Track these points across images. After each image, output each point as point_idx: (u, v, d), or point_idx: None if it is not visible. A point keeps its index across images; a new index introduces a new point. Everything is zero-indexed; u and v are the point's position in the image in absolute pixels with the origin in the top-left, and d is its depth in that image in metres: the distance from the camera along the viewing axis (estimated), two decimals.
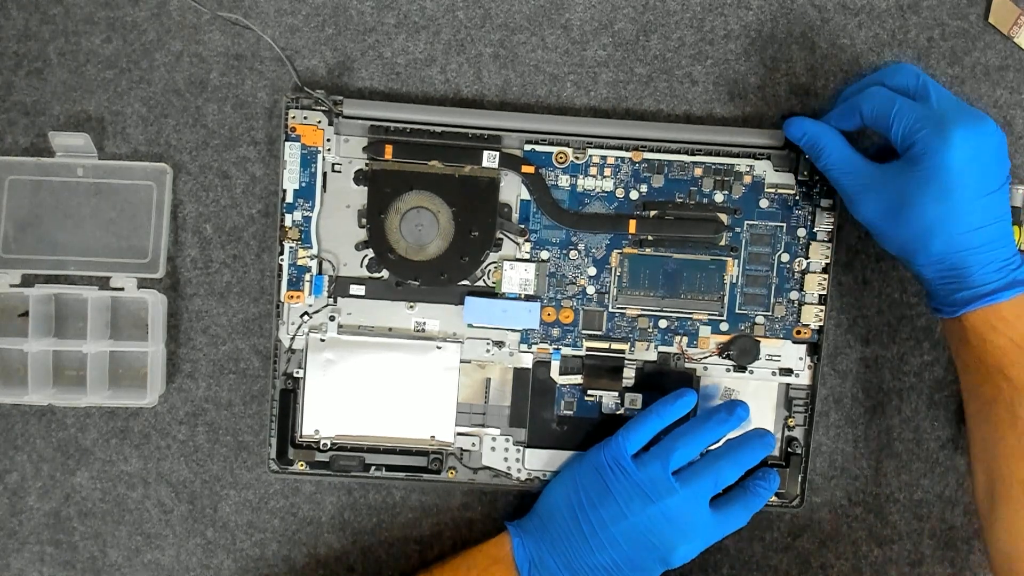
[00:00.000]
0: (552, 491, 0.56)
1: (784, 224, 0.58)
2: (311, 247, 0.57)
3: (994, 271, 0.50)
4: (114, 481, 0.59)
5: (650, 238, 0.57)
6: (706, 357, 0.58)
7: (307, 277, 0.57)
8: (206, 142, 0.59)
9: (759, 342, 0.58)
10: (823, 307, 0.58)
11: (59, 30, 0.58)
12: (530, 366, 0.58)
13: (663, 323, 0.58)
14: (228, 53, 0.58)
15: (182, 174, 0.59)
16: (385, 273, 0.57)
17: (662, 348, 0.58)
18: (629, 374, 0.58)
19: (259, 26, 0.58)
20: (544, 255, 0.58)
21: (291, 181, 0.57)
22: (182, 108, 0.59)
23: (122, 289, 0.58)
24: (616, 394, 0.58)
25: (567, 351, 0.58)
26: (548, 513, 0.55)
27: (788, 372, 0.58)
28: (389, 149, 0.57)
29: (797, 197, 0.57)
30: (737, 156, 0.57)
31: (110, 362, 0.59)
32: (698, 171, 0.57)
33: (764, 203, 0.57)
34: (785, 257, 0.58)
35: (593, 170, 0.57)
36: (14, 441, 0.59)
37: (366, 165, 0.57)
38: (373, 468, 0.58)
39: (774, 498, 0.58)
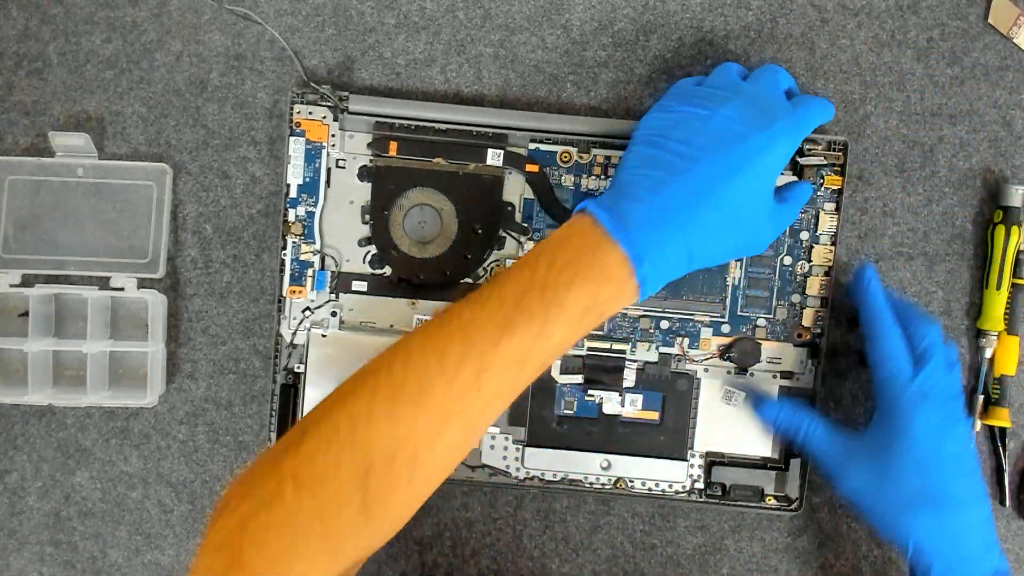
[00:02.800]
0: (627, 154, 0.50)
1: (787, 227, 0.58)
2: (314, 242, 0.57)
3: (980, 557, 0.50)
4: (114, 481, 0.59)
5: None
6: (707, 359, 0.58)
7: (309, 272, 0.57)
8: (206, 142, 0.59)
9: (760, 344, 0.58)
10: (825, 310, 0.58)
11: (59, 30, 0.58)
12: None
13: (664, 324, 0.58)
14: (228, 53, 0.58)
15: (182, 174, 0.59)
16: (388, 269, 0.57)
17: (663, 349, 0.58)
18: (630, 374, 0.58)
19: (259, 26, 0.58)
20: None
21: (295, 176, 0.57)
22: (182, 108, 0.59)
23: (122, 289, 0.58)
24: (617, 394, 0.58)
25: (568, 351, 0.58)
26: (627, 170, 0.49)
27: (789, 375, 0.58)
28: (394, 145, 0.57)
29: None
30: None
31: (110, 362, 0.59)
32: None
33: None
34: (787, 260, 0.58)
35: (597, 170, 0.57)
36: (14, 441, 0.59)
37: (370, 161, 0.57)
38: None
39: (773, 500, 0.58)
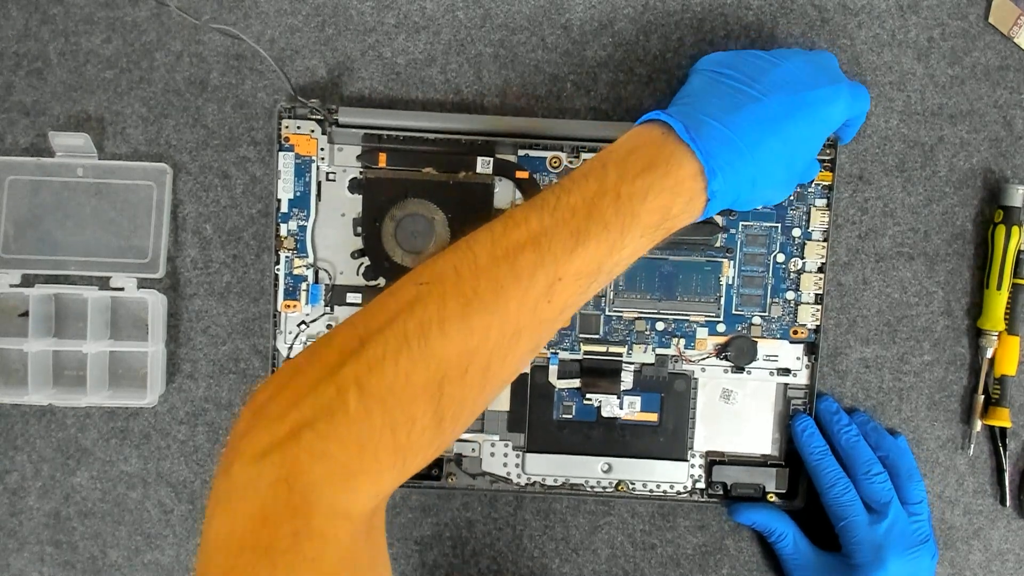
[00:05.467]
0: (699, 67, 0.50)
1: (779, 224, 0.58)
2: (307, 256, 0.57)
3: None
4: (114, 481, 0.59)
5: None
6: (704, 358, 0.58)
7: (303, 286, 0.57)
8: (206, 142, 0.59)
9: (756, 343, 0.58)
10: (819, 307, 0.58)
11: (59, 30, 0.58)
12: (528, 371, 0.58)
13: (660, 325, 0.58)
14: (228, 53, 0.58)
15: (182, 174, 0.59)
16: (382, 281, 0.57)
17: (660, 350, 0.58)
18: (627, 377, 0.58)
19: (259, 26, 0.58)
20: None
21: (285, 191, 0.57)
22: (182, 108, 0.59)
23: (122, 289, 0.58)
24: (615, 397, 0.58)
25: (565, 355, 0.58)
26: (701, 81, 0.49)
27: (786, 372, 0.58)
28: (383, 157, 0.57)
29: (791, 197, 0.57)
30: None
31: (110, 362, 0.59)
32: None
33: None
34: (781, 257, 0.58)
35: None
36: (14, 441, 0.59)
37: (360, 173, 0.57)
38: None
39: (774, 497, 0.58)
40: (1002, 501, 0.60)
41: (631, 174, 0.43)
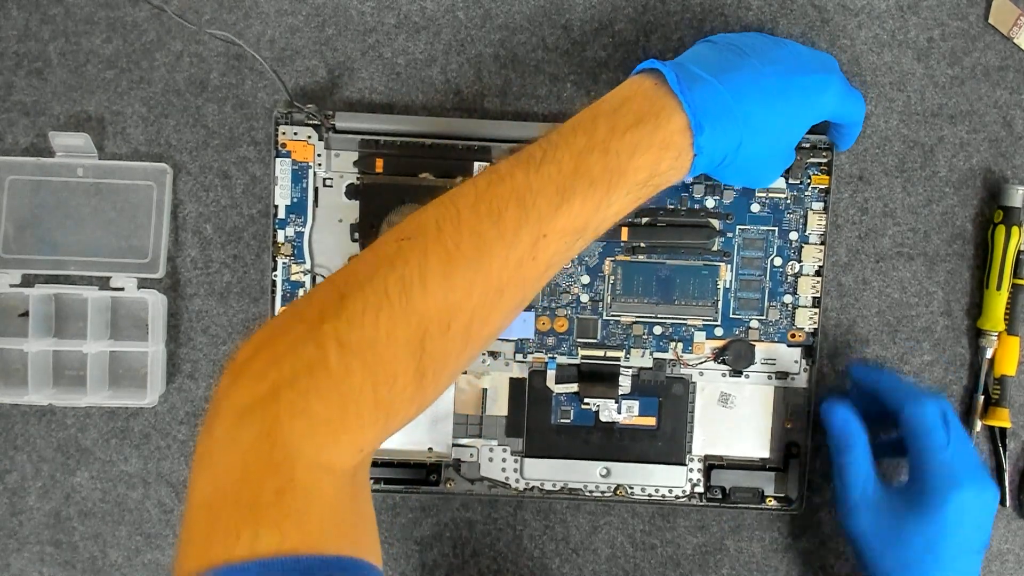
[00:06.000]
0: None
1: (776, 228, 0.58)
2: (304, 262, 0.57)
3: None
4: (114, 481, 0.59)
5: (643, 245, 0.57)
6: (702, 362, 0.58)
7: (301, 292, 0.57)
8: (206, 142, 0.59)
9: (754, 346, 0.58)
10: (817, 310, 0.58)
11: (59, 30, 0.58)
12: (526, 376, 0.58)
13: (658, 329, 0.58)
14: (228, 54, 0.58)
15: (182, 174, 0.59)
16: None
17: (657, 354, 0.58)
18: (625, 381, 0.58)
19: (259, 26, 0.58)
20: None
21: (283, 197, 0.57)
22: (182, 108, 0.59)
23: (122, 289, 0.58)
24: (613, 401, 0.58)
25: (562, 360, 0.58)
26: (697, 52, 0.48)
27: (784, 376, 0.58)
28: (380, 162, 0.57)
29: (788, 201, 0.57)
30: None
31: (110, 362, 0.59)
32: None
33: (755, 207, 0.57)
34: (778, 261, 0.58)
35: None
36: (14, 441, 0.59)
37: (357, 179, 0.57)
38: (371, 481, 0.58)
39: (773, 501, 0.58)
40: (1002, 501, 0.60)
41: (620, 128, 0.42)
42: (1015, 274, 0.58)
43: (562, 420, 0.58)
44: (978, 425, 0.59)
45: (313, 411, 0.37)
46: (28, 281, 0.58)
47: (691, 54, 0.48)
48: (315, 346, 0.37)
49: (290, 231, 0.57)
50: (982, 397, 0.59)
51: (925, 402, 0.51)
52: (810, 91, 0.47)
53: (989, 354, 0.59)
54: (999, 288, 0.58)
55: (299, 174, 0.57)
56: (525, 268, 0.41)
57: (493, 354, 0.58)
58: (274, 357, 0.38)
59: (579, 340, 0.58)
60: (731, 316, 0.58)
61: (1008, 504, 0.60)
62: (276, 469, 0.36)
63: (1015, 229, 0.57)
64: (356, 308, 0.38)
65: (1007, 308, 0.58)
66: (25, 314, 0.57)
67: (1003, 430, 0.59)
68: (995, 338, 0.58)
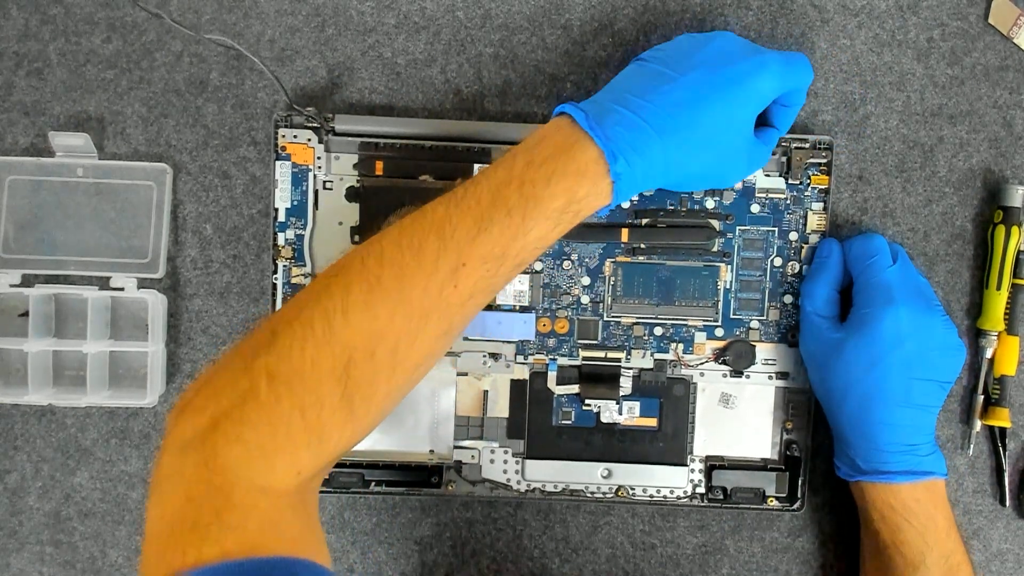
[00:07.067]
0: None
1: (776, 228, 0.58)
2: (305, 265, 0.57)
3: (897, 452, 0.52)
4: (114, 481, 0.59)
5: (643, 246, 0.57)
6: (702, 363, 0.58)
7: None
8: (206, 142, 0.59)
9: (754, 347, 0.58)
10: None
11: (59, 30, 0.58)
12: (527, 377, 0.58)
13: (658, 330, 0.58)
14: (228, 54, 0.58)
15: (182, 174, 0.59)
16: None
17: (658, 355, 0.58)
18: (626, 382, 0.58)
19: (259, 26, 0.58)
20: (538, 266, 0.58)
21: (283, 200, 0.57)
22: (182, 108, 0.59)
23: (122, 289, 0.58)
24: (614, 402, 0.58)
25: (563, 361, 0.58)
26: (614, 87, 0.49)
27: (784, 376, 0.58)
28: (380, 165, 0.57)
29: (788, 201, 0.57)
30: None
31: (110, 362, 0.59)
32: None
33: (755, 208, 0.58)
34: (778, 261, 0.58)
35: None
36: (14, 441, 0.59)
37: (357, 182, 0.57)
38: (373, 484, 0.58)
39: (775, 501, 0.58)
40: (1002, 501, 0.60)
41: (536, 161, 0.44)
42: (1015, 274, 0.58)
43: (563, 421, 0.58)
44: (978, 425, 0.59)
45: (247, 438, 0.40)
46: (28, 281, 0.58)
47: (615, 81, 0.49)
48: (247, 379, 0.41)
49: (290, 234, 0.57)
50: (982, 397, 0.59)
51: (876, 236, 0.55)
52: (739, 84, 0.47)
53: (989, 354, 0.59)
54: (999, 288, 0.58)
55: (299, 177, 0.57)
56: (447, 295, 0.43)
57: (494, 356, 0.58)
58: (213, 392, 0.41)
59: (580, 341, 0.58)
60: (731, 317, 0.58)
61: (1008, 504, 0.60)
62: (216, 492, 0.39)
63: (1015, 229, 0.57)
64: (284, 342, 0.41)
65: (1007, 308, 0.58)
66: (25, 314, 0.57)
67: (1003, 430, 0.59)
68: (995, 338, 0.58)
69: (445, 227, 0.43)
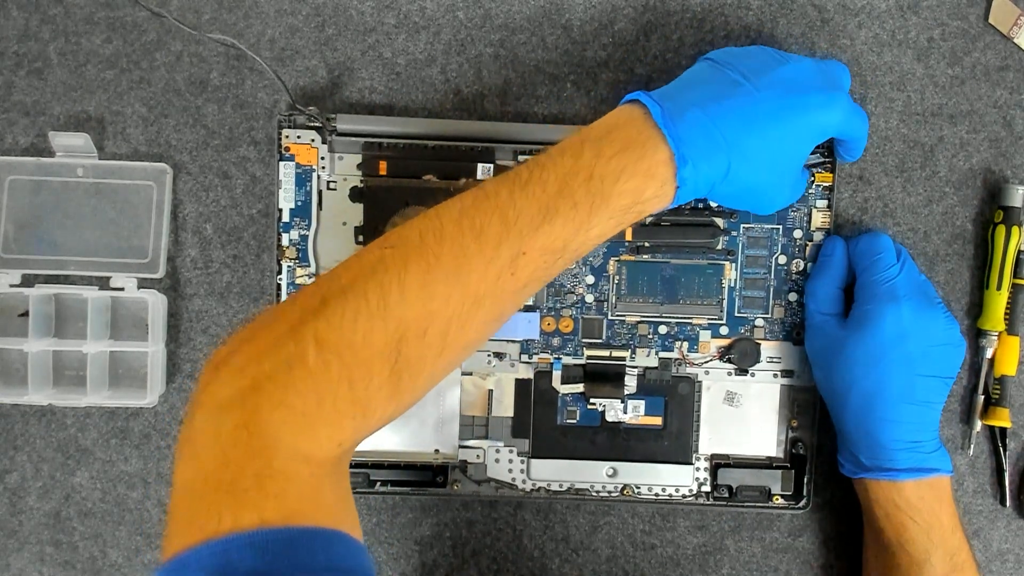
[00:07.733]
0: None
1: (780, 226, 0.58)
2: (309, 265, 0.57)
3: (902, 449, 0.52)
4: (114, 481, 0.59)
5: (647, 245, 0.57)
6: (707, 361, 0.58)
7: None
8: (206, 142, 0.59)
9: (759, 345, 0.58)
10: None
11: (59, 30, 0.58)
12: (531, 376, 0.58)
13: (663, 329, 0.58)
14: (228, 54, 0.58)
15: (182, 174, 0.59)
16: None
17: (663, 354, 0.58)
18: (631, 381, 0.58)
19: (259, 26, 0.58)
20: None
21: (286, 200, 0.57)
22: (182, 108, 0.59)
23: (122, 289, 0.58)
24: (619, 401, 0.58)
25: (568, 360, 0.58)
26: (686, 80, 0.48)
27: (789, 374, 0.58)
28: (383, 165, 0.57)
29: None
30: None
31: (110, 362, 0.59)
32: None
33: None
34: (782, 259, 0.58)
35: None
36: (14, 441, 0.59)
37: (361, 182, 0.57)
38: (378, 484, 0.58)
39: (780, 499, 0.58)
40: (1002, 501, 0.60)
41: (606, 154, 0.43)
42: (1015, 274, 0.58)
43: (568, 420, 0.58)
44: (978, 425, 0.59)
45: (291, 404, 0.38)
46: (28, 281, 0.58)
47: (687, 76, 0.48)
48: (295, 344, 0.39)
49: (294, 234, 0.57)
50: (982, 397, 0.59)
51: (881, 235, 0.55)
52: (811, 111, 0.47)
53: (989, 354, 0.59)
54: (999, 288, 0.58)
55: (303, 177, 0.57)
56: (504, 282, 0.42)
57: (499, 355, 0.58)
58: (255, 353, 0.39)
59: (584, 340, 0.58)
60: (736, 315, 0.58)
61: (1008, 504, 0.60)
62: (256, 456, 0.37)
63: (1015, 229, 0.57)
64: (336, 311, 0.40)
65: (1007, 308, 0.58)
66: (25, 314, 0.57)
67: (1003, 430, 0.59)
68: (995, 338, 0.58)
69: (509, 212, 0.42)
